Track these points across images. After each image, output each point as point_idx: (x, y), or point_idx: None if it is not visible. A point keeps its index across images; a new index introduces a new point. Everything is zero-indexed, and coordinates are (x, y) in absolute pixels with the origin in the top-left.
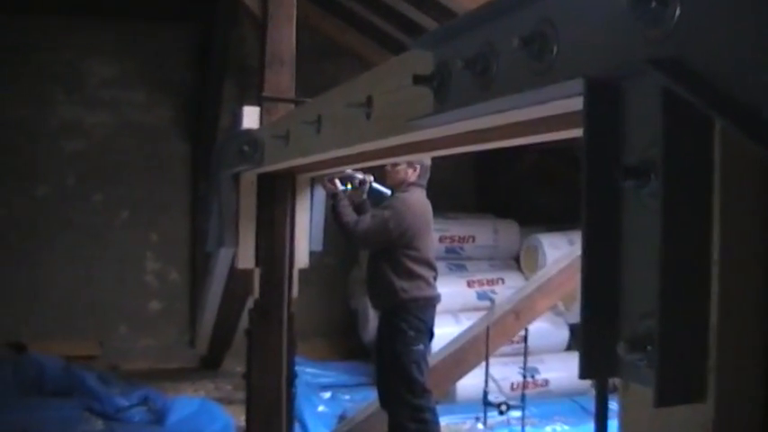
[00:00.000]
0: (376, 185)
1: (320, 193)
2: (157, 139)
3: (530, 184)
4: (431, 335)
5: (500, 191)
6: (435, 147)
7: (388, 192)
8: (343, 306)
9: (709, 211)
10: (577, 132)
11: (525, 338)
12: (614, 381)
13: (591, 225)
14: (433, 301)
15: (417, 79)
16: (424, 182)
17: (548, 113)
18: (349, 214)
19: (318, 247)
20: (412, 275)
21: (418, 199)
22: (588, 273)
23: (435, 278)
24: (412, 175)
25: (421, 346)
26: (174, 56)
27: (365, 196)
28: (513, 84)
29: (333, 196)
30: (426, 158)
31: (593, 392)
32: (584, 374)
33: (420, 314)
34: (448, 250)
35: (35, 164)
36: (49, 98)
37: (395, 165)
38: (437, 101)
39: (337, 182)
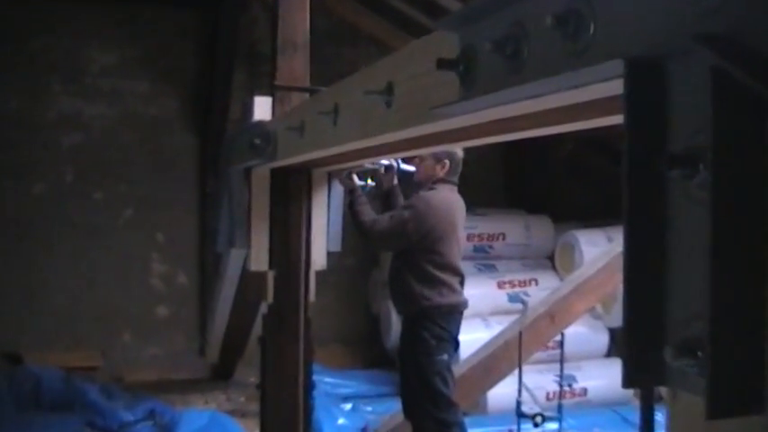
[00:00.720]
0: (404, 166)
1: (338, 189)
2: (162, 132)
3: (564, 176)
4: (456, 344)
5: (532, 184)
6: (461, 137)
7: (413, 168)
8: (364, 310)
9: (764, 203)
10: (617, 119)
11: (561, 344)
12: (660, 390)
13: (633, 220)
14: (457, 309)
15: (441, 63)
16: (455, 177)
17: (584, 99)
18: (366, 213)
19: (337, 248)
20: (434, 281)
21: (444, 198)
22: (630, 272)
23: (462, 283)
24: (440, 171)
25: (444, 357)
26: (180, 42)
27: (396, 181)
28: (546, 67)
29: (350, 193)
30: (458, 149)
31: (636, 402)
32: (627, 383)
33: (443, 322)
34: (476, 249)
35: (30, 159)
36: (44, 89)
37: (421, 159)
38: (463, 87)
39: (355, 177)
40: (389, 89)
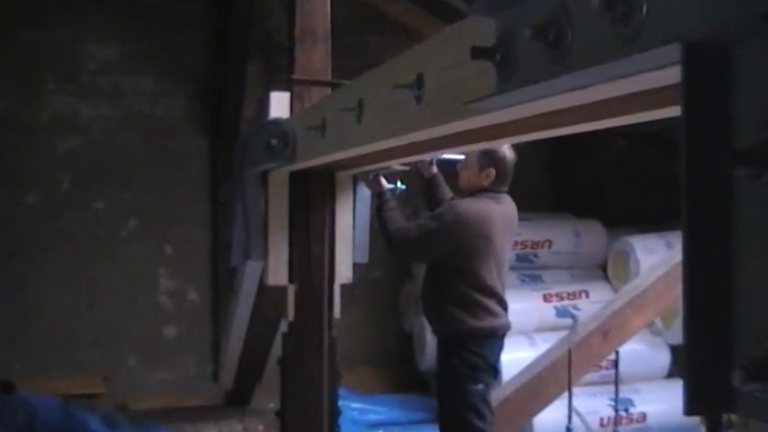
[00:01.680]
0: (448, 156)
1: (364, 194)
2: (169, 134)
3: (617, 175)
4: (494, 372)
5: (581, 185)
6: (499, 134)
7: (461, 157)
8: (395, 328)
9: None
10: (674, 111)
11: (616, 363)
12: (729, 416)
13: (694, 225)
14: (495, 332)
15: (476, 53)
16: (503, 185)
17: (637, 89)
18: (394, 220)
19: (364, 259)
20: (467, 302)
21: (480, 210)
22: (691, 283)
23: (503, 306)
24: (484, 181)
25: (479, 386)
26: (187, 33)
27: (434, 169)
28: (593, 54)
29: (377, 197)
30: (507, 152)
31: (701, 430)
32: (690, 409)
33: (477, 348)
34: (519, 258)
35: (23, 166)
36: (37, 87)
37: (465, 164)
38: (500, 78)
39: (383, 180)
40: (419, 82)
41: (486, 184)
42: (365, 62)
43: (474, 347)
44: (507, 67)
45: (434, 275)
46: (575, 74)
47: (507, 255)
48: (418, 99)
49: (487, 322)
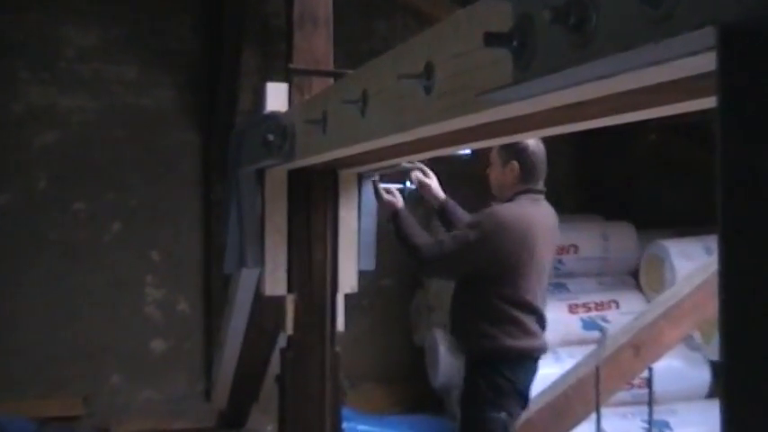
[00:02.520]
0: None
1: (371, 194)
2: (156, 128)
3: (650, 173)
4: (523, 400)
5: (610, 184)
6: (517, 128)
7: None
8: (405, 341)
9: None
10: (710, 102)
11: (650, 382)
12: None
13: (730, 229)
14: (530, 354)
15: (490, 39)
16: (538, 183)
17: (668, 77)
18: (417, 233)
19: (370, 266)
20: (501, 318)
21: (521, 215)
22: (728, 293)
23: (542, 324)
24: (510, 177)
25: (502, 415)
26: (176, 17)
27: (441, 193)
28: (620, 39)
29: (392, 216)
30: (530, 142)
31: None
32: None
33: (507, 370)
34: None
35: None
36: (9, 77)
37: (490, 165)
38: (517, 67)
39: (395, 191)
40: (428, 71)
41: (512, 179)
42: (372, 49)
43: (503, 370)
44: (525, 54)
45: (467, 287)
46: (599, 61)
47: (549, 266)
48: (427, 90)
49: (522, 342)
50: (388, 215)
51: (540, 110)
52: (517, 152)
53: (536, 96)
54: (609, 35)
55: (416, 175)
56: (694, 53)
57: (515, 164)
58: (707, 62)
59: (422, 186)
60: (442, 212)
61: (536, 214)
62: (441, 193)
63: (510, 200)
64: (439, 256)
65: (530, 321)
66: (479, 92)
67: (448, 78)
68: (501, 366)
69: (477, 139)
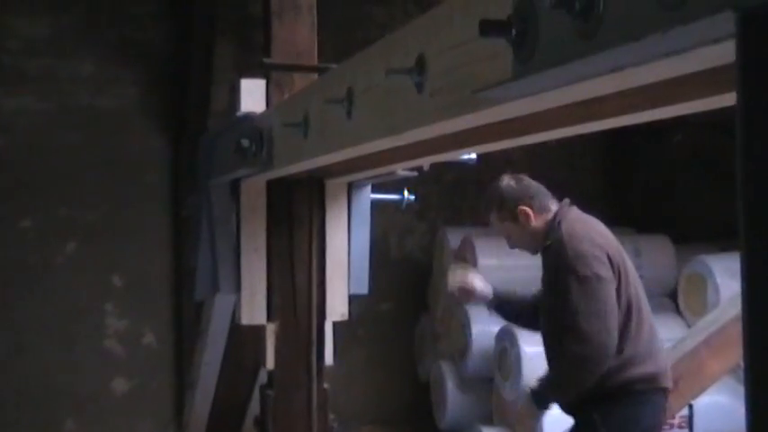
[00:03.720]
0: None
1: (363, 205)
2: (117, 133)
3: (688, 178)
4: None
5: (642, 191)
6: (523, 130)
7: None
8: (407, 376)
9: None
10: (730, 99)
11: (690, 420)
12: None
13: (754, 240)
14: (656, 384)
15: (486, 27)
16: (551, 197)
17: (685, 70)
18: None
19: (363, 289)
20: (624, 347)
21: (589, 228)
22: (753, 315)
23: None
24: (531, 220)
25: None
26: (138, 4)
27: (486, 287)
28: (630, 27)
29: (496, 308)
30: (505, 177)
31: None
32: None
33: (632, 404)
34: None
35: None
36: None
37: (504, 235)
38: (518, 59)
39: (473, 280)
40: (420, 65)
41: (534, 222)
42: (367, 39)
43: (628, 403)
44: (526, 44)
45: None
46: (608, 52)
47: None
48: (419, 87)
49: (649, 368)
50: (490, 307)
51: (545, 108)
52: (510, 198)
53: (540, 93)
54: (617, 22)
55: (453, 289)
56: (713, 41)
57: (522, 207)
58: (726, 52)
59: (466, 294)
60: (500, 307)
61: (589, 220)
62: (488, 289)
63: (551, 228)
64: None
65: (654, 344)
66: (476, 88)
67: (442, 73)
68: (626, 399)
69: (478, 143)
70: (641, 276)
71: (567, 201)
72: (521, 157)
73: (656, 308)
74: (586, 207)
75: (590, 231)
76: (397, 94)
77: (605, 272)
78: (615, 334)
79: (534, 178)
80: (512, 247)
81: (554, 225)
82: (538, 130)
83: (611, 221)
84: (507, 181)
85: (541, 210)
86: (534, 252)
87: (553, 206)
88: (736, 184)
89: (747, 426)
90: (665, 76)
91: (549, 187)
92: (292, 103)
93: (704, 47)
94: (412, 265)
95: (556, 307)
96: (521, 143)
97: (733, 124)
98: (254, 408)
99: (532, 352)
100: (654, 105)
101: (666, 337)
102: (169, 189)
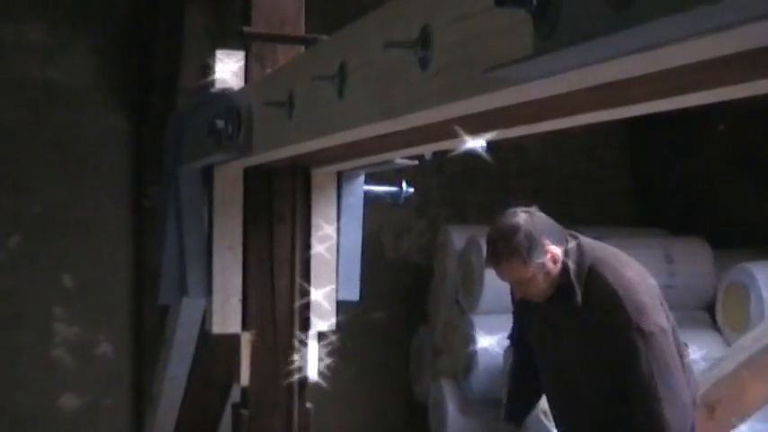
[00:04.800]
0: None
1: (354, 198)
2: (71, 110)
3: (729, 174)
4: None
5: (676, 188)
6: (538, 115)
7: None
8: (403, 396)
9: None
10: None
11: None
12: None
13: None
14: None
15: None
16: (561, 234)
17: (731, 49)
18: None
19: (353, 295)
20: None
21: (635, 275)
22: None
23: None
24: (551, 264)
25: None
26: None
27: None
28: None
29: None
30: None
31: None
32: None
33: None
34: None
35: None
36: None
37: (521, 268)
38: (538, 34)
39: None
40: (425, 39)
41: (552, 266)
42: (363, 6)
43: None
44: (548, 16)
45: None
46: (645, 25)
47: None
48: (423, 63)
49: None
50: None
51: (567, 91)
52: (538, 239)
53: (562, 73)
54: None
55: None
56: (761, 17)
57: (551, 248)
58: None
59: None
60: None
61: (617, 254)
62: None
63: (578, 268)
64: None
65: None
66: (489, 67)
67: (449, 48)
68: None
69: (489, 129)
70: (674, 287)
71: (570, 232)
72: (535, 146)
73: (691, 322)
74: (613, 206)
75: (635, 272)
76: (396, 72)
77: (664, 320)
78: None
79: (551, 171)
80: (522, 297)
81: (579, 264)
82: (558, 115)
83: (640, 222)
84: (524, 217)
85: (561, 247)
86: (543, 298)
87: (567, 238)
88: None
89: None
90: (707, 56)
91: (562, 177)
92: (275, 80)
93: (753, 23)
94: (409, 268)
95: (611, 366)
96: (537, 130)
97: None
98: (225, 430)
99: None
100: (691, 89)
101: (702, 356)
102: (130, 176)
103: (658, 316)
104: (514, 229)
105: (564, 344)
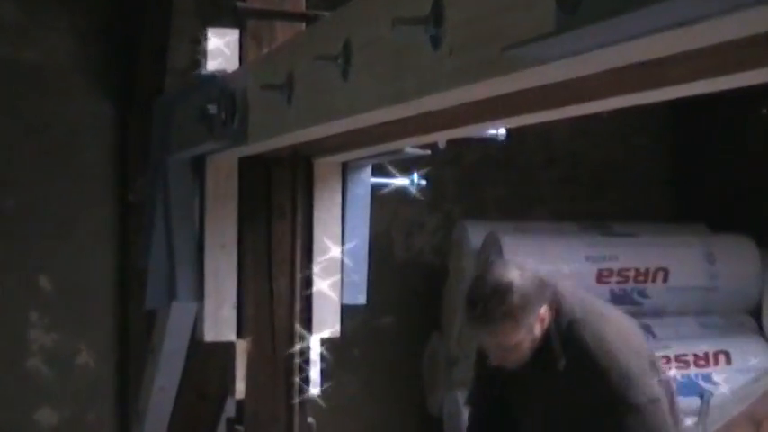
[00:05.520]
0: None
1: (361, 191)
2: (47, 94)
3: None
4: None
5: (717, 180)
6: (563, 99)
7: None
8: (415, 409)
9: None
10: None
11: None
12: None
13: None
14: None
15: None
16: (550, 292)
17: None
18: None
19: (360, 299)
20: None
21: (624, 335)
22: None
23: None
24: (547, 317)
25: None
26: None
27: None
28: None
29: None
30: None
31: None
32: None
33: None
34: (616, 297)
35: None
36: None
37: (511, 332)
38: (562, 8)
39: None
40: (437, 15)
41: (547, 318)
42: None
43: None
44: None
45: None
46: (677, 2)
47: None
48: (435, 42)
49: None
50: None
51: (594, 72)
52: (533, 300)
53: (589, 52)
54: None
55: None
56: None
57: (543, 310)
58: None
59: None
60: None
61: (604, 308)
62: None
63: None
64: None
65: None
66: (508, 45)
67: (464, 25)
68: None
69: (509, 114)
70: (715, 289)
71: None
72: (561, 134)
73: (734, 328)
74: (647, 199)
75: (617, 332)
76: (406, 51)
77: (655, 386)
78: None
79: (580, 160)
80: (501, 364)
81: (558, 324)
82: (585, 99)
83: (679, 216)
84: (518, 274)
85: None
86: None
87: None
88: None
89: None
90: (750, 33)
91: (598, 172)
92: (273, 61)
93: None
94: (421, 268)
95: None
96: (563, 115)
97: None
98: None
99: None
100: (734, 70)
101: (747, 367)
102: (113, 167)
103: (647, 383)
104: (508, 287)
105: (551, 416)
